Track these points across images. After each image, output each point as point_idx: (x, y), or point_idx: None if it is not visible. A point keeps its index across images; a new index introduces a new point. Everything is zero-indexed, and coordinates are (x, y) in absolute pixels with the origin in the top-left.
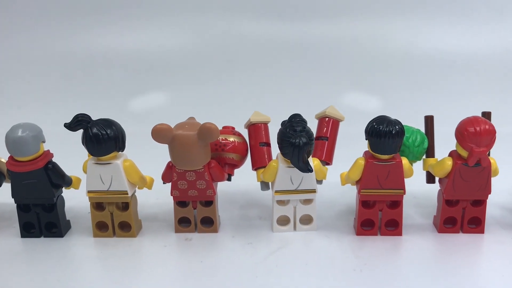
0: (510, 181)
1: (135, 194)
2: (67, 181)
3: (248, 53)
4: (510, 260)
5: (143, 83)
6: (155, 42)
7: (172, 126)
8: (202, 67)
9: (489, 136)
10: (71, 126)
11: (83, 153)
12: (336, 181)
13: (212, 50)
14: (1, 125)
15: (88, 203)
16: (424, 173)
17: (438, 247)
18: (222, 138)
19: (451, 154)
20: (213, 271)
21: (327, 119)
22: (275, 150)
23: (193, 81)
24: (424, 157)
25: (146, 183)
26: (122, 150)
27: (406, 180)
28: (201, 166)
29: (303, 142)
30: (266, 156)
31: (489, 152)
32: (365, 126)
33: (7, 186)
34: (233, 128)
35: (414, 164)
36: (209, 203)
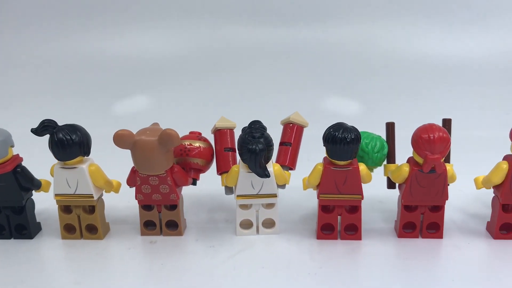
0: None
1: (102, 197)
2: (36, 185)
3: (232, 57)
4: (463, 264)
5: (127, 87)
6: (140, 46)
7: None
8: (186, 71)
9: (443, 143)
10: (38, 131)
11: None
12: (301, 186)
13: (196, 54)
14: None
15: None
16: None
17: (396, 252)
18: (187, 144)
19: (409, 160)
20: (172, 273)
21: (291, 125)
22: None
23: (176, 85)
24: (385, 162)
25: (112, 187)
26: (87, 155)
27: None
28: (163, 171)
29: (259, 148)
30: (231, 161)
31: (449, 158)
32: None
33: None
34: (200, 133)
35: (375, 170)
36: (174, 207)
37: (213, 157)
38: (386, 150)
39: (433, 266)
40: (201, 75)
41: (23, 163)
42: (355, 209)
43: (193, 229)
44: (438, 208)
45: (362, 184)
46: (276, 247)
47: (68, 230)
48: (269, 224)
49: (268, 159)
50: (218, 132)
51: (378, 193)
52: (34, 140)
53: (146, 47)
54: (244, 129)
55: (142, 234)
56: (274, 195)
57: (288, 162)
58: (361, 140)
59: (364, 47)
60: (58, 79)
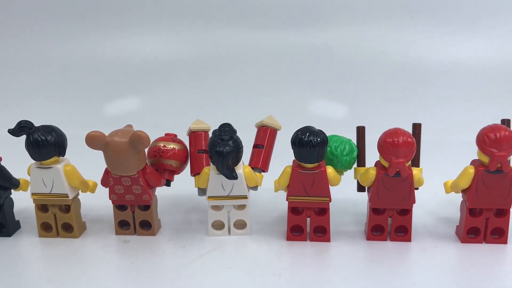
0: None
1: (79, 197)
2: (14, 184)
3: (220, 60)
4: (427, 268)
5: (117, 89)
6: (131, 49)
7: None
8: (175, 74)
9: (408, 147)
10: (14, 132)
11: None
12: (273, 188)
13: (185, 57)
14: None
15: None
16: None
17: (363, 254)
18: (162, 145)
19: (376, 164)
20: (140, 272)
21: (264, 128)
22: None
23: (166, 87)
24: (355, 166)
25: (88, 187)
26: (63, 155)
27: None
28: (134, 172)
29: (226, 151)
30: (204, 163)
31: (418, 162)
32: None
33: None
34: (175, 135)
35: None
36: (147, 207)
37: (187, 159)
38: (355, 153)
39: (397, 269)
40: (190, 78)
41: (2, 163)
42: (324, 211)
43: (167, 229)
44: (406, 212)
45: (331, 186)
46: (245, 248)
47: (45, 229)
48: (240, 225)
49: (237, 161)
50: (193, 134)
51: (352, 195)
52: (14, 140)
53: (137, 50)
54: (214, 132)
55: (117, 233)
56: (245, 197)
57: (261, 164)
58: (331, 144)
59: (351, 50)
60: (47, 81)
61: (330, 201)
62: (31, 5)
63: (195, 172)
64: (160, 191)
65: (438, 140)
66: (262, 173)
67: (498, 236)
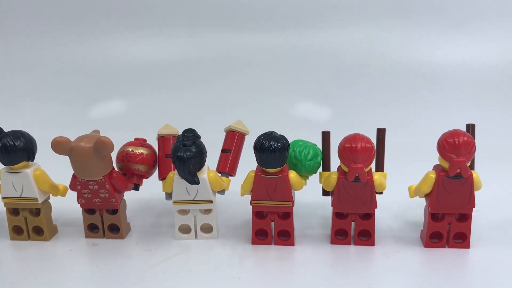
0: None
1: (49, 200)
2: None
3: (207, 63)
4: (387, 271)
5: (104, 91)
6: (119, 52)
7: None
8: (163, 77)
9: (366, 153)
10: None
11: None
12: None
13: (172, 60)
14: None
15: None
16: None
17: (325, 258)
18: (130, 150)
19: (338, 168)
20: (103, 275)
21: (232, 132)
22: None
23: (153, 90)
24: (320, 170)
25: (59, 191)
26: (32, 160)
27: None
28: (100, 177)
29: (187, 156)
30: (172, 168)
31: (382, 167)
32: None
33: None
34: (144, 140)
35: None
36: (115, 211)
37: (155, 164)
38: (320, 158)
39: (357, 273)
40: (175, 81)
41: None
42: (287, 215)
43: (136, 232)
44: (369, 216)
45: (295, 191)
46: (210, 252)
47: (17, 232)
48: (207, 229)
49: (200, 166)
50: (161, 139)
51: (323, 198)
52: None
53: (123, 52)
54: (178, 137)
55: (87, 236)
56: (210, 201)
57: (228, 168)
58: (295, 148)
59: (338, 53)
60: (34, 83)
61: (293, 206)
62: (18, 8)
63: (162, 177)
64: (133, 195)
65: (413, 142)
66: (230, 178)
67: (461, 241)
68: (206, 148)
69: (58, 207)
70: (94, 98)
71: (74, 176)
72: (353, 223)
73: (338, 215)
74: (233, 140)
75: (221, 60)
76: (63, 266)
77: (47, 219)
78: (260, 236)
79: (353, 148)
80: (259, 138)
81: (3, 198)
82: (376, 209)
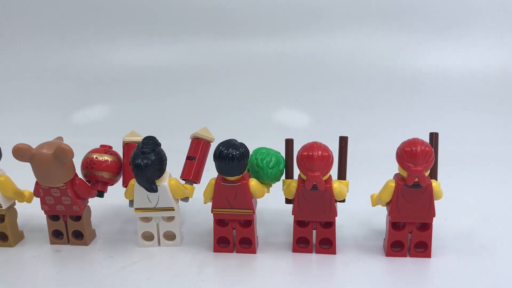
0: None
1: (15, 207)
2: None
3: (189, 70)
4: (345, 280)
5: (85, 98)
6: (101, 58)
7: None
8: (145, 83)
9: (323, 161)
10: None
11: None
12: None
13: (155, 66)
14: None
15: None
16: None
17: (285, 267)
18: (95, 157)
19: (298, 176)
20: (61, 282)
21: (197, 140)
22: None
23: (134, 96)
24: (283, 177)
25: (24, 197)
26: None
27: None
28: (61, 184)
29: (144, 164)
30: None
31: (345, 175)
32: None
33: None
34: (110, 147)
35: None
36: (79, 217)
37: (120, 171)
38: (282, 165)
39: (314, 281)
40: (159, 86)
41: None
42: (249, 223)
43: (101, 239)
44: (330, 224)
45: (257, 199)
46: (171, 259)
47: None
48: (170, 236)
49: (160, 174)
50: (126, 146)
51: (291, 206)
52: None
53: (105, 59)
54: (137, 145)
55: (51, 243)
56: (172, 209)
57: (192, 176)
58: (257, 156)
59: (319, 59)
60: (19, 89)
61: (254, 213)
62: (3, 14)
63: (126, 184)
64: (101, 201)
65: (391, 149)
66: (195, 185)
67: (423, 250)
68: (184, 156)
69: (28, 213)
70: (75, 105)
71: (37, 183)
72: (315, 231)
73: (299, 223)
74: (198, 147)
75: (203, 67)
76: (24, 272)
77: (12, 225)
78: (222, 244)
79: (310, 156)
80: (218, 145)
81: None
82: (341, 217)
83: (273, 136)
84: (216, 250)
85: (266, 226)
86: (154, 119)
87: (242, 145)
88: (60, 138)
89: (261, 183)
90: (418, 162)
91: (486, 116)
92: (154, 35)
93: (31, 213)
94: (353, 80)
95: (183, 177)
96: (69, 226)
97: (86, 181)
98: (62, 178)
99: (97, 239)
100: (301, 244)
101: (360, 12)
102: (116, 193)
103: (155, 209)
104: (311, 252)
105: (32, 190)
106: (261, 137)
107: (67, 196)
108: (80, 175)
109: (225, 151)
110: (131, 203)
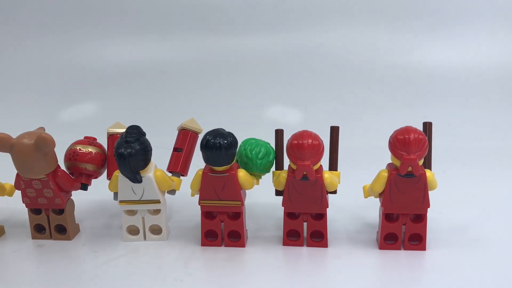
0: None
1: None
2: None
3: (179, 65)
4: (336, 273)
5: (75, 94)
6: (93, 54)
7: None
8: (135, 79)
9: (313, 150)
10: None
11: None
12: None
13: (145, 62)
14: None
15: None
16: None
17: (274, 260)
18: (78, 148)
19: (288, 167)
20: (42, 277)
21: (184, 131)
22: None
23: (124, 92)
24: (273, 169)
25: (5, 191)
26: None
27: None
28: (43, 175)
29: (128, 153)
30: None
31: (336, 166)
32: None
33: None
34: (95, 139)
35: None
36: (61, 211)
37: (104, 163)
38: (272, 156)
39: (304, 275)
40: (149, 82)
41: None
42: (237, 215)
43: (85, 233)
44: (321, 216)
45: (247, 191)
46: (157, 253)
47: None
48: (156, 230)
49: (145, 164)
50: (111, 137)
51: (281, 199)
52: None
53: (97, 55)
54: (122, 135)
55: (33, 237)
56: (158, 201)
57: (180, 168)
58: (246, 146)
59: (312, 55)
60: (6, 84)
61: (243, 205)
62: None
63: (110, 176)
64: (86, 195)
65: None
66: (182, 177)
67: (417, 243)
68: (172, 150)
69: (10, 208)
70: (63, 102)
71: (18, 175)
72: (306, 224)
73: (289, 215)
74: (185, 139)
75: (194, 63)
76: (4, 267)
77: None
78: (210, 237)
79: (300, 145)
80: (205, 135)
81: None
82: (333, 210)
83: (264, 132)
84: (203, 244)
85: (256, 220)
86: (144, 116)
87: (230, 134)
88: (42, 128)
89: (251, 174)
90: (411, 151)
91: (480, 111)
92: (144, 31)
93: (14, 208)
94: (346, 75)
95: (169, 169)
96: (51, 220)
97: (70, 173)
98: (44, 169)
99: (81, 234)
100: (291, 237)
101: (352, 8)
102: (101, 187)
103: (140, 201)
104: (302, 245)
105: (13, 183)
106: (252, 131)
107: (49, 188)
108: (63, 167)
109: (212, 140)
110: (116, 195)
